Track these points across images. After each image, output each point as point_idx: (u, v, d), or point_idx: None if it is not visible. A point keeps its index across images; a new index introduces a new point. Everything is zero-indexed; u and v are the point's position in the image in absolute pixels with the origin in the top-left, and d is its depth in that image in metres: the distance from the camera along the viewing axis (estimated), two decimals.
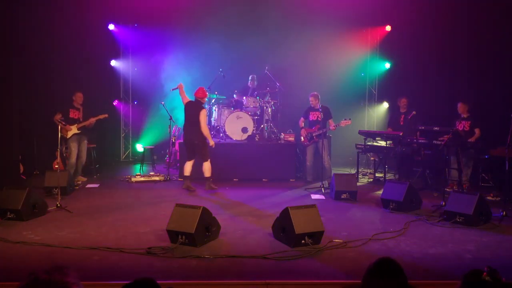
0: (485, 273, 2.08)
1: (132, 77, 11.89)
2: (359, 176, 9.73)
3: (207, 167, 8.38)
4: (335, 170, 9.36)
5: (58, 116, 8.64)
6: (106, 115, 9.18)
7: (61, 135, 7.84)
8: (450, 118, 9.24)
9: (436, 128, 8.37)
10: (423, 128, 8.64)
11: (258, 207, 7.22)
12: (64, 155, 9.26)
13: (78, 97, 8.96)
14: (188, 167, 8.43)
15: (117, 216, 6.58)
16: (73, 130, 8.81)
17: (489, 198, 7.67)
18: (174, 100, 10.69)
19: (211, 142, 8.44)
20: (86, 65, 10.59)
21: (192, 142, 8.29)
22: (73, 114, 8.89)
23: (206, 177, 8.39)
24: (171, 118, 9.56)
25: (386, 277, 2.21)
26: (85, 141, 9.07)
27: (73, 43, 10.33)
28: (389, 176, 9.72)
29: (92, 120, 8.95)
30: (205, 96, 8.53)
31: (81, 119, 8.94)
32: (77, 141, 8.89)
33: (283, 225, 5.43)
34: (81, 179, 9.04)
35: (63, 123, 8.10)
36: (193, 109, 8.31)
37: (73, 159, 8.82)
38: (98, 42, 10.98)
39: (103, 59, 11.46)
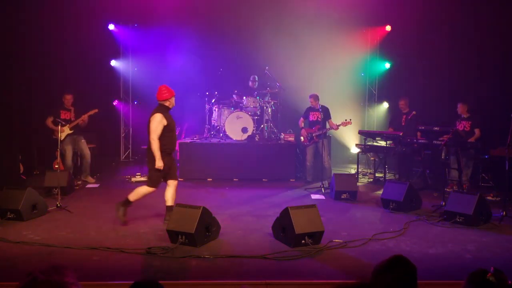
0: (490, 274, 2.07)
1: (132, 77, 11.89)
2: (359, 176, 9.72)
3: (140, 191, 6.11)
4: (335, 170, 9.36)
5: (50, 119, 8.57)
6: (96, 110, 8.77)
7: (55, 138, 7.76)
8: (450, 118, 9.23)
9: (436, 128, 8.37)
10: (423, 128, 8.64)
11: (258, 207, 7.22)
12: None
13: (67, 100, 8.76)
14: (167, 194, 6.19)
15: None
16: (66, 131, 8.60)
17: (489, 198, 7.67)
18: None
19: (158, 163, 5.87)
20: (86, 65, 10.59)
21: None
22: (64, 115, 8.71)
23: (127, 199, 6.09)
24: None
25: (398, 274, 2.20)
26: (83, 140, 8.93)
27: (73, 43, 10.33)
28: (389, 176, 9.71)
29: (84, 117, 8.69)
30: (169, 96, 6.14)
31: (72, 119, 8.76)
32: (71, 143, 8.73)
33: (283, 225, 5.43)
34: (90, 180, 8.93)
35: (63, 122, 8.07)
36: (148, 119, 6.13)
37: (68, 161, 8.69)
38: (98, 42, 10.98)
39: (103, 59, 11.45)
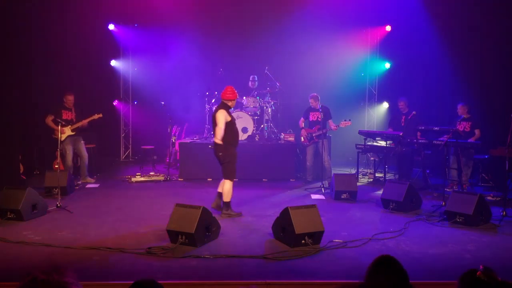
0: (479, 272, 2.09)
1: (132, 77, 11.89)
2: (359, 176, 9.72)
3: (226, 188, 6.63)
4: (335, 170, 9.35)
5: (50, 118, 8.54)
6: (100, 115, 8.81)
7: (55, 138, 7.75)
8: (450, 118, 9.24)
9: (436, 128, 8.37)
10: (423, 128, 8.64)
11: (258, 207, 7.23)
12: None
13: (69, 100, 8.71)
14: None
15: (117, 216, 6.58)
16: (67, 132, 8.57)
17: (489, 198, 7.67)
18: (174, 101, 10.72)
19: (218, 139, 6.53)
20: (86, 65, 10.59)
21: (217, 155, 6.67)
22: (66, 115, 8.67)
23: (225, 202, 6.65)
24: (171, 118, 9.56)
25: (386, 275, 2.22)
26: (82, 142, 8.89)
27: (73, 43, 10.33)
28: (389, 176, 9.71)
29: (84, 122, 8.70)
30: (232, 97, 6.72)
31: (74, 120, 8.73)
32: (72, 144, 8.70)
33: (283, 225, 5.43)
34: (89, 180, 8.92)
35: (63, 122, 8.06)
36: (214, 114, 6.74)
37: (69, 161, 8.67)
38: (98, 42, 10.98)
39: (103, 59, 11.46)
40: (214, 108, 7.05)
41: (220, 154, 6.57)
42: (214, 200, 6.91)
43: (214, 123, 6.64)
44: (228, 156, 6.58)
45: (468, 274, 2.14)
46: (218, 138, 6.49)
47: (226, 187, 6.61)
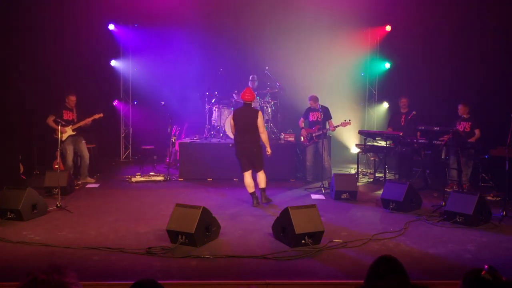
0: (484, 271, 2.09)
1: (132, 77, 11.88)
2: (359, 176, 9.72)
3: (264, 176, 7.47)
4: (335, 170, 9.36)
5: (51, 118, 8.53)
6: (101, 115, 8.87)
7: (56, 137, 7.75)
8: (450, 118, 9.23)
9: (436, 128, 8.37)
10: (423, 128, 8.64)
11: (258, 207, 7.22)
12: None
13: (71, 100, 8.74)
14: (249, 180, 7.49)
15: (117, 216, 6.58)
16: (68, 132, 8.59)
17: (489, 198, 7.66)
18: (174, 101, 10.71)
19: (269, 150, 7.62)
20: (86, 65, 10.59)
21: (251, 150, 7.35)
22: (67, 115, 8.69)
23: (262, 188, 7.42)
24: (171, 118, 9.55)
25: (387, 276, 2.21)
26: (83, 142, 8.91)
27: (73, 43, 10.33)
28: (389, 176, 9.71)
29: (88, 120, 8.73)
30: (254, 97, 7.75)
31: (75, 120, 8.76)
32: (72, 143, 8.71)
33: (283, 225, 5.43)
34: (89, 181, 8.92)
35: (63, 122, 8.05)
36: (246, 115, 7.34)
37: (69, 161, 8.68)
38: (98, 42, 10.98)
39: (103, 59, 11.45)
40: (238, 110, 7.55)
41: (255, 150, 7.33)
42: (262, 197, 7.43)
43: (248, 124, 7.25)
44: (260, 152, 7.39)
45: (472, 273, 2.13)
46: (267, 140, 7.54)
47: (263, 176, 7.39)
